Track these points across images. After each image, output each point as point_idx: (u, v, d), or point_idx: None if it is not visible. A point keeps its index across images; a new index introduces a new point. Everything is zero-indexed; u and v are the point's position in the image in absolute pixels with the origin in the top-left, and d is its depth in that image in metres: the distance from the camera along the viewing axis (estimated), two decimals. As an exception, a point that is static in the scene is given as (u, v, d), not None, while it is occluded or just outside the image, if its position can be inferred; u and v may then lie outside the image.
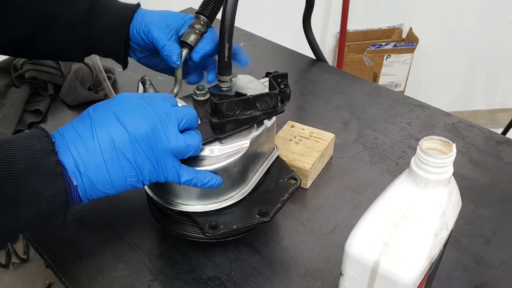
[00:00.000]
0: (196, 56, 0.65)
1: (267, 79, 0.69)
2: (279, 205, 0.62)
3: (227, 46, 0.59)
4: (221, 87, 0.65)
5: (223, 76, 0.63)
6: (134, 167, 0.49)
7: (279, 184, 0.66)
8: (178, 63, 0.65)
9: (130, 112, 0.50)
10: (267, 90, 0.65)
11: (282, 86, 0.66)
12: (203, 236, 0.61)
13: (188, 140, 0.52)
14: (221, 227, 0.59)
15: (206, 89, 0.63)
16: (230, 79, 0.64)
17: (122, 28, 0.67)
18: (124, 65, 0.73)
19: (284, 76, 0.67)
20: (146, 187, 0.64)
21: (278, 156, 0.70)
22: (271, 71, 0.68)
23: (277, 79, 0.66)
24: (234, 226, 0.59)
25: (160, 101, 0.52)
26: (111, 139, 0.48)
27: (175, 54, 0.64)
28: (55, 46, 0.70)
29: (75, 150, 0.47)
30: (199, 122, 0.58)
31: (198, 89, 0.63)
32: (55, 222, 0.49)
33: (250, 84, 0.66)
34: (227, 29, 0.58)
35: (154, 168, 0.51)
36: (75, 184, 0.47)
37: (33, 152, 0.45)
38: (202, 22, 0.64)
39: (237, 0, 0.57)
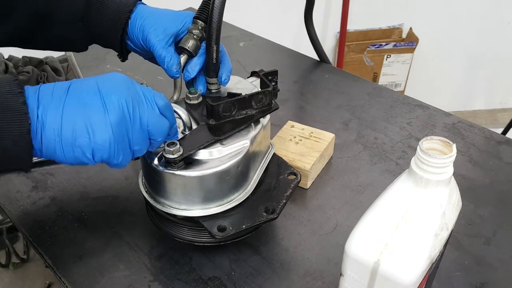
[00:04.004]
0: (187, 77, 0.64)
1: (253, 78, 0.70)
2: (284, 201, 0.63)
3: (214, 48, 0.59)
4: (210, 90, 0.65)
5: (211, 78, 0.63)
6: (87, 129, 0.48)
7: (279, 180, 0.66)
8: (178, 75, 0.64)
9: (107, 81, 0.51)
10: (257, 89, 0.65)
11: (273, 84, 0.66)
12: (211, 240, 0.61)
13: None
14: (230, 228, 0.58)
15: (199, 92, 0.63)
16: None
17: (117, 29, 0.66)
18: (124, 59, 0.72)
19: (274, 73, 0.68)
20: (146, 194, 0.63)
21: (274, 154, 0.70)
22: (256, 69, 0.69)
23: (267, 77, 0.66)
24: (243, 226, 0.59)
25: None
26: (81, 94, 0.49)
27: (173, 66, 0.63)
28: (55, 41, 0.71)
29: (41, 95, 0.48)
30: (194, 126, 0.59)
31: (190, 92, 0.63)
32: (20, 166, 0.50)
33: (239, 84, 0.66)
34: (214, 30, 0.57)
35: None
36: (29, 122, 0.47)
37: (1, 93, 0.46)
38: (200, 27, 0.64)
39: (224, 1, 0.56)
